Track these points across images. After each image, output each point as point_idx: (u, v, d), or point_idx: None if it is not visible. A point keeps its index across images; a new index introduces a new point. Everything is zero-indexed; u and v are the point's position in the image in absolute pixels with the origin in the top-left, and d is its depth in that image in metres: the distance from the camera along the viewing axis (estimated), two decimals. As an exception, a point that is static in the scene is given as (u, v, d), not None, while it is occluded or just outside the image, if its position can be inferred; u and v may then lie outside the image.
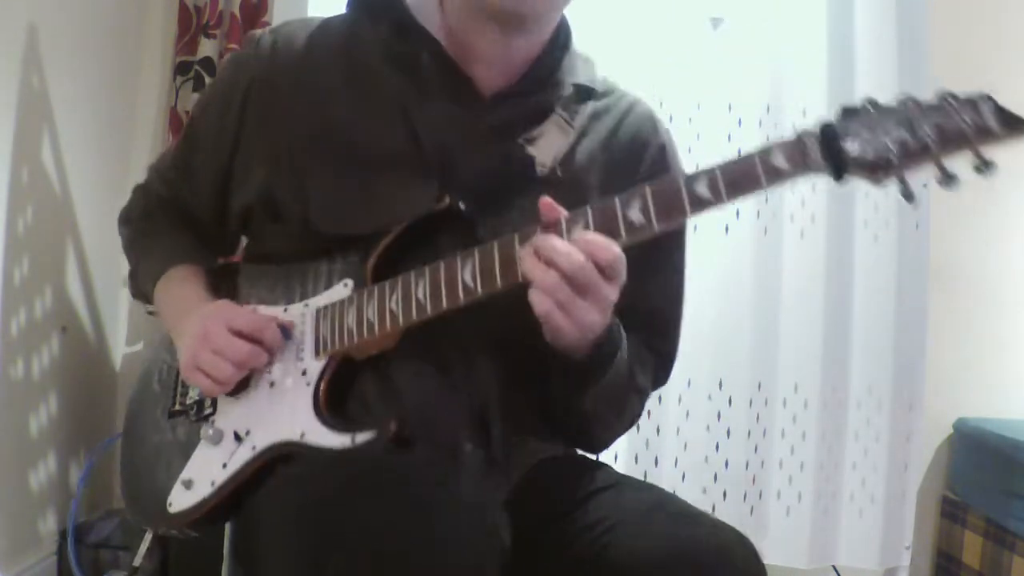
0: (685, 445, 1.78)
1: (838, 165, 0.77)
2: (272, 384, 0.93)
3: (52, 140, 1.78)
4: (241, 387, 0.94)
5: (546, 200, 0.82)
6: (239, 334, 0.91)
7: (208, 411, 0.97)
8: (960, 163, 0.76)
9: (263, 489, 0.89)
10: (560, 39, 0.99)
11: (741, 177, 0.79)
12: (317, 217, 0.93)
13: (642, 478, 1.77)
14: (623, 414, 1.02)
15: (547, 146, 0.95)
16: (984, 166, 0.75)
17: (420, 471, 0.80)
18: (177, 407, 1.01)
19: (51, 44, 1.74)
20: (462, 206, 0.90)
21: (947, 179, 0.75)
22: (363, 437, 0.85)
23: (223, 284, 1.04)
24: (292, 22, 1.02)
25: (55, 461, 1.85)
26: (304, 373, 0.92)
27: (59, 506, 1.87)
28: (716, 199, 0.79)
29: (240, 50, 1.04)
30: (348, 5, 1.01)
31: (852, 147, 0.76)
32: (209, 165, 1.03)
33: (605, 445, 1.11)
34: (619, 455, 1.76)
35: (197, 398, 0.99)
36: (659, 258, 1.04)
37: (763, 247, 1.78)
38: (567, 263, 0.77)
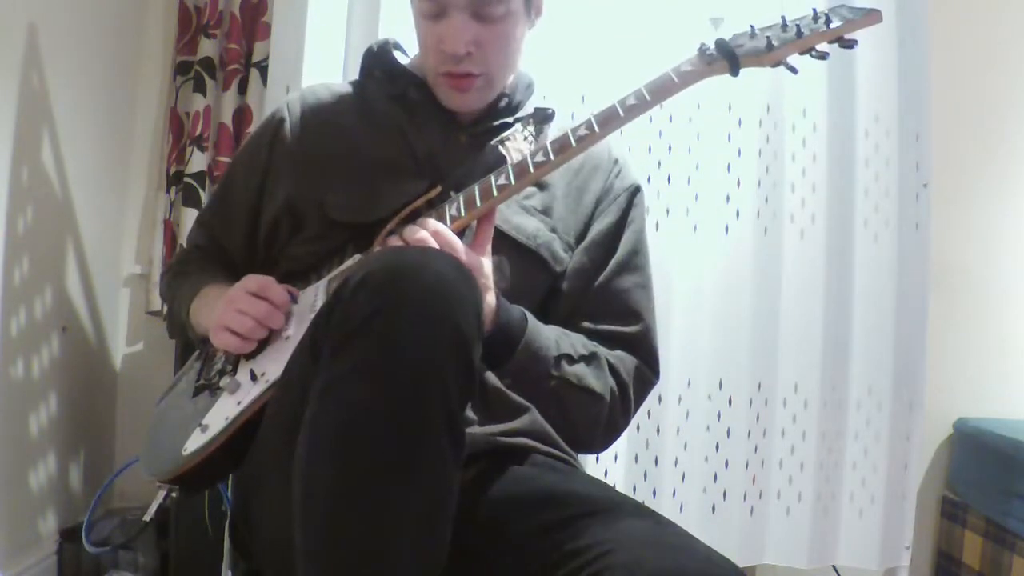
0: (685, 445, 1.78)
1: (733, 60, 1.05)
2: (287, 338, 1.04)
3: (52, 140, 1.79)
4: (259, 348, 1.05)
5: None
6: (254, 295, 1.05)
7: (229, 371, 1.07)
8: (830, 48, 1.06)
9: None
10: (523, 85, 1.22)
11: (660, 85, 1.04)
12: (333, 209, 1.10)
13: (642, 478, 1.77)
14: (568, 413, 1.09)
15: (514, 149, 1.13)
16: (846, 44, 1.06)
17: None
18: (201, 382, 1.10)
19: (51, 44, 1.74)
20: (452, 194, 1.05)
21: (818, 55, 1.06)
22: None
23: None
24: (316, 86, 1.27)
25: (55, 461, 1.85)
26: None
27: (59, 506, 1.88)
28: (643, 103, 1.03)
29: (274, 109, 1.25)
30: (360, 72, 1.25)
31: (741, 48, 1.05)
32: (244, 196, 1.21)
33: (580, 446, 1.17)
34: (619, 455, 1.76)
35: (219, 367, 1.09)
36: (613, 242, 1.18)
37: (763, 247, 1.78)
38: (412, 235, 0.98)
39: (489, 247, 1.01)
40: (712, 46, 1.05)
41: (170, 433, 1.06)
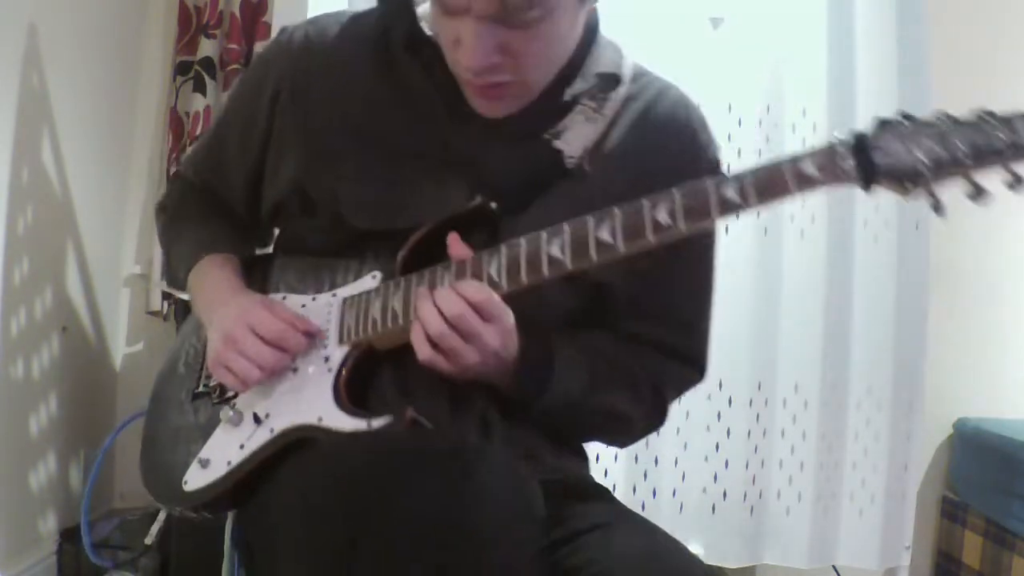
0: (685, 445, 1.78)
1: (867, 175, 0.78)
2: (295, 371, 0.94)
3: (52, 140, 1.78)
4: None
5: (454, 237, 0.88)
6: (263, 340, 0.92)
7: (230, 394, 0.98)
8: (991, 179, 0.77)
9: (278, 474, 0.90)
10: (584, 40, 0.96)
11: (770, 183, 0.80)
12: (349, 212, 0.95)
13: (642, 478, 1.77)
14: (599, 436, 1.06)
15: (575, 138, 0.95)
16: (1017, 182, 0.76)
17: (441, 440, 0.83)
18: (201, 389, 1.02)
19: (51, 44, 1.74)
20: (493, 205, 0.91)
21: (978, 193, 0.77)
22: (379, 422, 0.85)
23: (256, 271, 1.05)
24: (323, 16, 1.03)
25: (55, 461, 1.85)
26: (326, 360, 0.93)
27: (59, 506, 1.87)
28: (744, 203, 0.80)
29: (272, 43, 1.04)
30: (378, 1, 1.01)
31: (883, 157, 0.77)
32: (240, 160, 1.04)
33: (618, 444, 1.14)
34: (619, 455, 1.76)
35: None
36: (678, 254, 0.98)
37: (763, 247, 1.78)
38: (449, 311, 0.83)
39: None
40: (850, 147, 0.79)
41: (168, 446, 1.00)
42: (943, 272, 1.98)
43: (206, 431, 0.97)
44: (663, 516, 1.75)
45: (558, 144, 0.94)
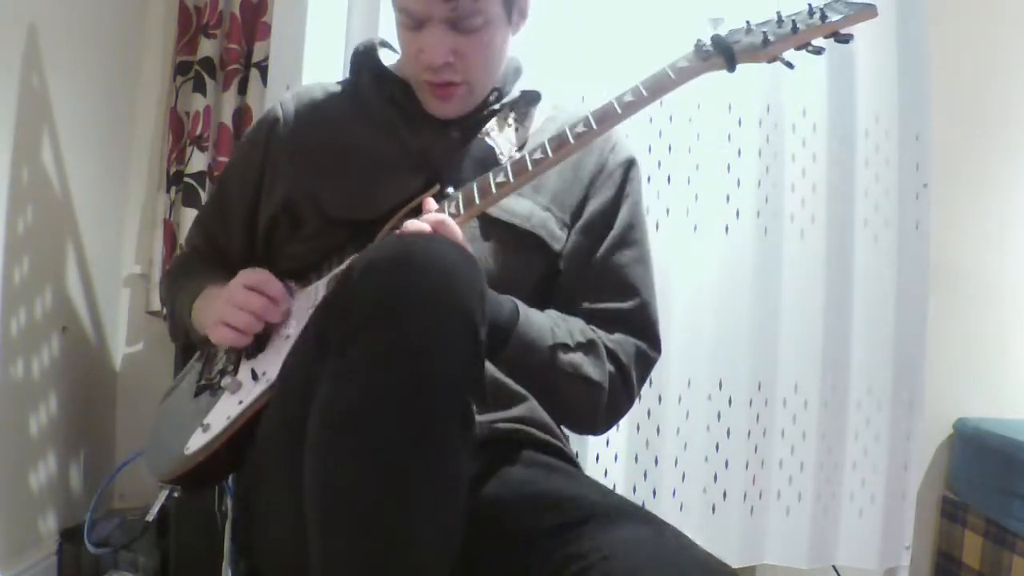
0: (685, 445, 1.78)
1: (729, 57, 1.04)
2: (287, 338, 1.05)
3: (52, 140, 1.78)
4: (260, 348, 1.06)
5: (428, 200, 1.05)
6: (252, 289, 1.05)
7: (230, 371, 1.08)
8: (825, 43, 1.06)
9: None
10: (510, 71, 1.22)
11: (658, 82, 1.04)
12: (331, 207, 1.12)
13: (642, 478, 1.77)
14: (566, 402, 1.10)
15: (502, 139, 1.17)
16: (842, 39, 1.05)
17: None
18: (203, 382, 1.11)
19: (51, 44, 1.74)
20: (449, 191, 1.05)
21: (814, 50, 1.06)
22: None
23: None
24: (309, 84, 1.30)
25: (55, 461, 1.85)
26: None
27: (59, 506, 1.87)
28: (640, 100, 1.03)
29: (267, 109, 1.26)
30: (350, 71, 1.26)
31: (737, 44, 1.05)
32: (239, 193, 1.21)
33: (581, 431, 1.20)
34: (619, 455, 1.76)
35: (220, 367, 1.10)
36: (610, 219, 1.18)
37: (763, 247, 1.78)
38: (412, 227, 0.95)
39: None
40: (708, 42, 1.05)
41: (172, 433, 1.07)
42: (943, 272, 1.98)
43: (207, 411, 1.04)
44: (663, 516, 1.74)
45: (489, 141, 1.15)
